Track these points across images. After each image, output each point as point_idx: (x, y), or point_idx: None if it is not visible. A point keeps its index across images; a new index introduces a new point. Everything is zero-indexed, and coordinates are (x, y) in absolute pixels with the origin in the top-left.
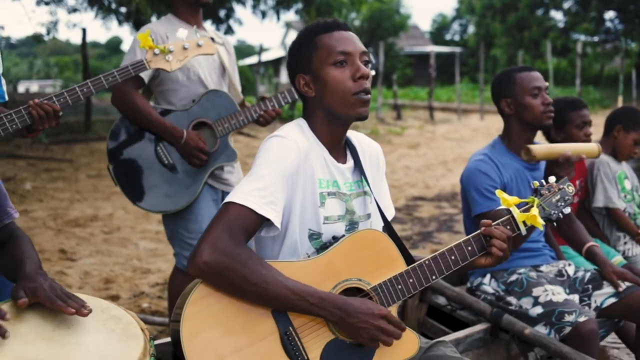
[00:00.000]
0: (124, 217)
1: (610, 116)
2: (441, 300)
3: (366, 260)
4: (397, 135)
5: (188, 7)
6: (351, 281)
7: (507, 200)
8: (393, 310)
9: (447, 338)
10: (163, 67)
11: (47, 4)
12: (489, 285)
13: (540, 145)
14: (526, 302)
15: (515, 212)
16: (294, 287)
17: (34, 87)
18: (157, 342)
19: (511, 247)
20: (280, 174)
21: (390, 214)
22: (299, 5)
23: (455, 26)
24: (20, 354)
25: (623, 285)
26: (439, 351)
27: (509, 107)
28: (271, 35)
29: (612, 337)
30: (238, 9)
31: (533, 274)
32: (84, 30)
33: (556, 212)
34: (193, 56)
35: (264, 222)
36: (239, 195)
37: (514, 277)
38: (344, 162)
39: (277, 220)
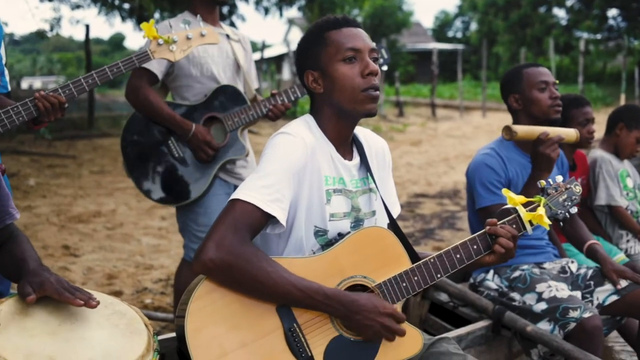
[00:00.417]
0: (127, 213)
1: (613, 114)
2: (443, 297)
3: (371, 257)
4: (399, 132)
5: (205, 5)
6: (356, 278)
7: (513, 200)
8: (397, 308)
9: (450, 335)
10: (167, 57)
11: (50, 0)
12: (492, 281)
13: (521, 125)
14: (530, 298)
15: (522, 211)
16: (299, 283)
17: (37, 83)
18: (160, 337)
19: (516, 246)
20: (286, 171)
21: (395, 211)
22: (302, 2)
23: (458, 23)
24: (25, 348)
25: (623, 283)
26: (442, 348)
27: (516, 103)
28: (274, 31)
29: (614, 335)
30: (241, 5)
31: (536, 270)
32: (87, 27)
33: (563, 211)
34: (197, 45)
35: (269, 219)
36: (245, 192)
37: (517, 273)
38: (351, 158)
39: (282, 218)
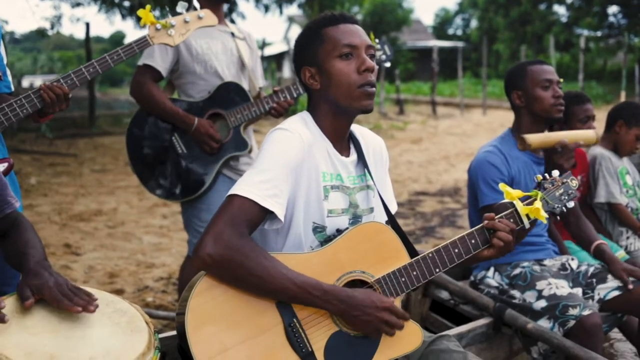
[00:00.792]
0: (128, 211)
1: (612, 111)
2: (444, 294)
3: (370, 252)
4: (400, 130)
5: (211, 4)
6: (355, 273)
7: (510, 194)
8: (396, 302)
9: (450, 332)
10: (166, 42)
11: None
12: (492, 278)
13: (536, 134)
14: (530, 296)
15: (519, 205)
16: (297, 279)
17: (38, 82)
18: (161, 335)
19: (515, 240)
20: (284, 166)
21: (392, 209)
22: None
23: (458, 20)
24: (26, 346)
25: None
26: (442, 345)
27: (519, 99)
28: (274, 29)
29: (615, 332)
30: (241, 2)
31: (537, 267)
32: (87, 25)
33: (560, 205)
34: (195, 29)
35: (267, 214)
36: (242, 187)
37: (517, 271)
38: (348, 155)
39: (280, 213)
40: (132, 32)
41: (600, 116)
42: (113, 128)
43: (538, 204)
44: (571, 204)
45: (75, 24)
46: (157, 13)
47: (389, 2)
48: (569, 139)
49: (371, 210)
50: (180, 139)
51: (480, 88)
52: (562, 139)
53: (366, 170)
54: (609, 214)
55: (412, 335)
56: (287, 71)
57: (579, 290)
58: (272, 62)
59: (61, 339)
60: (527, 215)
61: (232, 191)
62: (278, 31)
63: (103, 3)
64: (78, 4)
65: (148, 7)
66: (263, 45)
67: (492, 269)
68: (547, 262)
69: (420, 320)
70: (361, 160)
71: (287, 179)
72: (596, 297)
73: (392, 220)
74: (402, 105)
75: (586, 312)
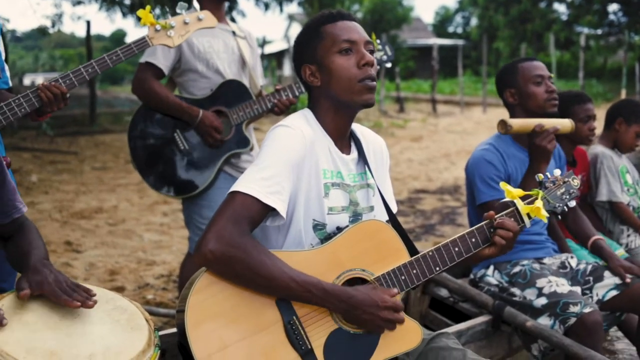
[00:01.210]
0: (129, 209)
1: (611, 109)
2: (443, 292)
3: (370, 250)
4: (400, 128)
5: (212, 3)
6: (355, 271)
7: (511, 193)
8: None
9: (450, 330)
10: (165, 43)
11: None
12: (492, 276)
13: (516, 119)
14: (530, 293)
15: (520, 204)
16: (298, 277)
17: (39, 80)
18: (161, 332)
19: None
20: (286, 163)
21: (392, 209)
22: None
23: (458, 18)
24: (27, 343)
25: (629, 279)
26: (441, 343)
27: (512, 97)
28: (274, 27)
29: (613, 329)
30: (241, 0)
31: (536, 265)
32: (88, 23)
33: (561, 205)
34: (194, 30)
35: (269, 211)
36: (244, 184)
37: (517, 269)
38: (348, 153)
39: (282, 210)
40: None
41: (601, 115)
42: (114, 126)
43: (539, 203)
44: (572, 203)
45: (76, 22)
46: (157, 11)
47: (389, 0)
48: (546, 124)
49: (371, 208)
50: (182, 135)
51: (480, 86)
52: (540, 122)
53: (367, 169)
54: (610, 213)
55: (411, 333)
56: (287, 69)
57: (578, 289)
58: (273, 60)
59: (61, 335)
60: (528, 215)
61: (234, 188)
62: (278, 29)
63: (104, 1)
64: (79, 2)
65: (148, 7)
66: (263, 43)
67: (491, 267)
68: (546, 260)
69: (419, 318)
70: (362, 158)
71: (288, 175)
72: (595, 298)
73: (393, 219)
74: (403, 103)
75: (587, 310)
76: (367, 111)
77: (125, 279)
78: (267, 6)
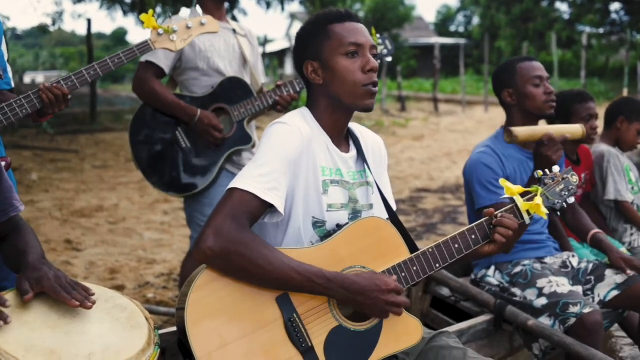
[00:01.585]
0: (129, 207)
1: (611, 108)
2: (445, 291)
3: (370, 247)
4: (402, 127)
5: (212, 2)
6: (355, 268)
7: (511, 190)
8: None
9: (451, 329)
10: (168, 47)
11: None
12: (493, 277)
13: (523, 127)
14: (531, 294)
15: (519, 201)
16: (300, 268)
17: (40, 78)
18: (162, 331)
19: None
20: (283, 159)
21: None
22: None
23: (460, 18)
24: (26, 341)
25: (630, 273)
26: (442, 342)
27: (510, 98)
28: (276, 26)
29: (615, 328)
30: None
31: (537, 265)
32: (89, 21)
33: (560, 201)
34: (197, 35)
35: (267, 208)
36: (242, 181)
37: (518, 269)
38: (347, 151)
39: (280, 206)
40: (133, 29)
41: (603, 114)
42: (114, 124)
43: (538, 199)
44: (571, 200)
45: (77, 21)
46: (159, 10)
47: None
48: (555, 132)
49: (371, 206)
50: (184, 134)
51: (482, 85)
52: (549, 131)
53: (366, 167)
54: (615, 211)
55: (412, 331)
56: (289, 68)
57: (579, 288)
58: (274, 59)
59: (61, 334)
60: (528, 211)
61: (233, 185)
62: (280, 28)
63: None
64: (80, 0)
65: (151, 12)
66: (265, 42)
67: (492, 268)
68: (547, 259)
69: (420, 317)
70: (361, 156)
71: (286, 172)
72: (596, 299)
73: (393, 217)
74: (404, 102)
75: (587, 310)
76: None
77: (125, 278)
78: (268, 5)
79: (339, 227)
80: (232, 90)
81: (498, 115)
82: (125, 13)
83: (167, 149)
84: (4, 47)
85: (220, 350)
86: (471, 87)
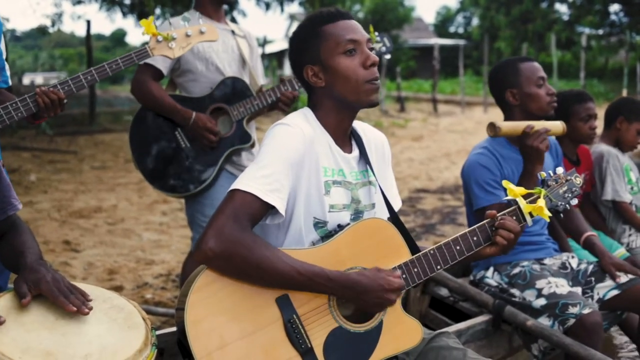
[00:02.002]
0: (128, 208)
1: (611, 109)
2: (444, 291)
3: (371, 248)
4: (401, 127)
5: (211, 4)
6: (356, 269)
7: (513, 191)
8: (397, 300)
9: (450, 329)
10: (166, 54)
11: None
12: (492, 278)
13: (506, 122)
14: (529, 294)
15: (522, 203)
16: (301, 267)
17: (39, 79)
18: (160, 332)
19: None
20: (285, 161)
21: (396, 205)
22: None
23: (459, 19)
24: (22, 342)
25: (624, 277)
26: (441, 342)
27: (514, 98)
28: (275, 27)
29: (614, 329)
30: (242, 0)
31: (536, 266)
32: (88, 23)
33: (563, 203)
34: (196, 43)
35: (268, 209)
36: (244, 182)
37: (517, 270)
38: (350, 151)
39: (281, 208)
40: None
41: (602, 114)
42: (113, 125)
43: (541, 202)
44: (575, 202)
45: (76, 22)
46: (158, 11)
47: (390, 0)
48: (536, 125)
49: (373, 206)
50: (183, 134)
51: (481, 86)
52: (530, 123)
53: (368, 166)
54: (613, 212)
55: (411, 332)
56: (288, 69)
57: (578, 289)
58: (274, 60)
59: (57, 335)
60: (530, 213)
61: (234, 186)
62: (279, 29)
63: (104, 1)
64: (79, 2)
65: (151, 18)
66: (264, 43)
67: (491, 269)
68: (547, 261)
69: (419, 317)
70: (363, 156)
71: (288, 173)
72: (595, 297)
73: (394, 217)
74: (403, 102)
75: (586, 311)
76: (368, 110)
77: (124, 279)
78: (267, 6)
79: (340, 227)
80: (231, 89)
81: (497, 116)
82: (124, 14)
83: (166, 149)
84: (2, 46)
85: (220, 350)
86: (470, 88)
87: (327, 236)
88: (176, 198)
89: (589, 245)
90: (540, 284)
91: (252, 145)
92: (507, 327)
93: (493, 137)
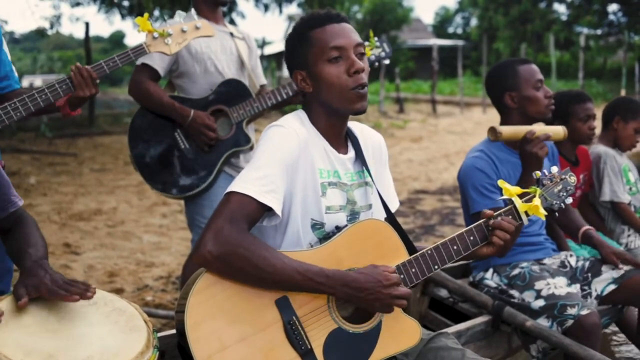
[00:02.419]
0: (128, 210)
1: (607, 109)
2: (443, 292)
3: (369, 249)
4: (400, 128)
5: (207, 5)
6: (354, 270)
7: (509, 190)
8: (404, 302)
9: (449, 330)
10: (163, 51)
11: None
12: (491, 279)
13: (506, 126)
14: (528, 296)
15: (518, 202)
16: (300, 267)
17: (38, 81)
18: (160, 334)
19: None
20: (280, 162)
21: (394, 205)
22: None
23: (458, 19)
24: (25, 345)
25: (623, 267)
26: (441, 342)
27: (512, 101)
28: (274, 28)
29: (613, 328)
30: (240, 2)
31: (536, 267)
32: (87, 25)
33: (558, 202)
34: (192, 39)
35: (265, 210)
36: (240, 184)
37: (516, 271)
38: (345, 152)
39: (278, 209)
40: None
41: (600, 115)
42: (113, 127)
43: (537, 201)
44: (569, 200)
45: (75, 24)
46: (156, 13)
47: (389, 0)
48: (537, 131)
49: (369, 207)
50: (182, 135)
51: (480, 86)
52: (532, 129)
53: (364, 167)
54: (612, 212)
55: (410, 333)
56: (287, 70)
57: (577, 287)
58: (272, 61)
59: (59, 338)
60: (526, 212)
61: (230, 188)
62: (278, 30)
63: (102, 3)
64: (77, 4)
65: (146, 15)
66: (263, 44)
67: (490, 270)
68: (546, 260)
69: (419, 318)
70: (359, 157)
71: (282, 174)
72: (594, 294)
73: (390, 217)
74: (402, 103)
75: (584, 312)
76: (367, 111)
77: (124, 281)
78: (266, 7)
79: (338, 229)
80: (231, 91)
81: (496, 117)
82: (123, 16)
83: (166, 150)
84: (5, 48)
85: (220, 353)
86: (469, 89)
87: (325, 238)
88: (176, 200)
89: (587, 239)
90: (539, 285)
91: (252, 148)
92: (506, 328)
93: (494, 141)
